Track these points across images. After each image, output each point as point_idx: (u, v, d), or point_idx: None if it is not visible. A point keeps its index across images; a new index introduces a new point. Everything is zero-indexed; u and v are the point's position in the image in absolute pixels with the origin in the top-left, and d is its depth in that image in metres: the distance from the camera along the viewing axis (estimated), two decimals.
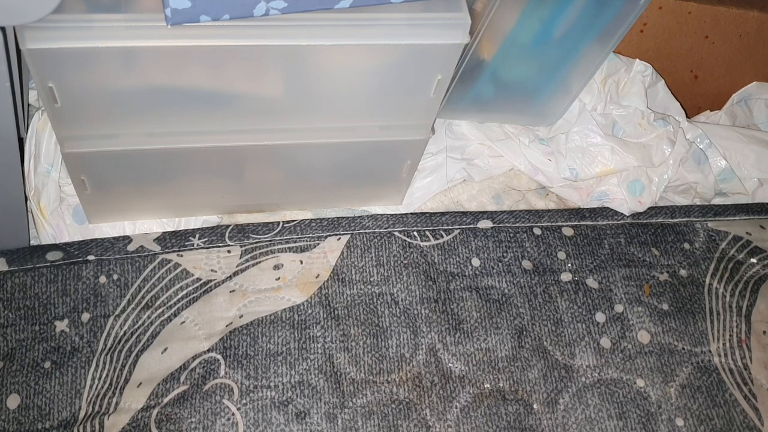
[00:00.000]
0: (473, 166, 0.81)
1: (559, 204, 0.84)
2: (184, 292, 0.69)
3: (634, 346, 0.72)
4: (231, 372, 0.66)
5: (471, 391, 0.68)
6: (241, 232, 0.73)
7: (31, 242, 0.71)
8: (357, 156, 0.70)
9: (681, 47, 0.86)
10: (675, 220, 0.81)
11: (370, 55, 0.57)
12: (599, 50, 0.72)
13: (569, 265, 0.76)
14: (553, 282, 0.75)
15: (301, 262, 0.72)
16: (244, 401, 0.64)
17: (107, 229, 0.73)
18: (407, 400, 0.67)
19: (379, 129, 0.66)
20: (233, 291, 0.70)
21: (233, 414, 0.64)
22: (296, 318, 0.69)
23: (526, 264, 0.76)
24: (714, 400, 0.70)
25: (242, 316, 0.69)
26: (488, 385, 0.69)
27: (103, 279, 0.69)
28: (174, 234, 0.72)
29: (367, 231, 0.75)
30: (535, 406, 0.68)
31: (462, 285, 0.73)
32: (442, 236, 0.76)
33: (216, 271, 0.71)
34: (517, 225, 0.78)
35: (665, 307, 0.75)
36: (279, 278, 0.71)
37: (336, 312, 0.70)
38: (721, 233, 0.81)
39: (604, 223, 0.80)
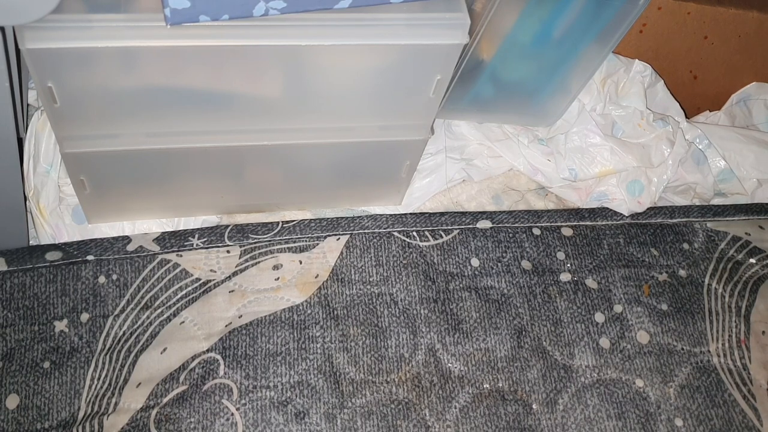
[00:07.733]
0: (472, 166, 0.81)
1: (558, 204, 0.84)
2: (184, 292, 0.69)
3: (633, 347, 0.72)
4: (230, 372, 0.66)
5: (470, 392, 0.68)
6: (240, 232, 0.73)
7: (31, 242, 0.71)
8: (356, 156, 0.70)
9: (680, 48, 0.86)
10: (674, 221, 0.81)
11: (370, 55, 0.57)
12: (598, 50, 0.72)
13: (568, 265, 0.76)
14: (553, 282, 0.75)
15: (301, 263, 0.72)
16: (243, 401, 0.64)
17: (106, 229, 0.73)
18: (406, 400, 0.67)
19: (379, 129, 0.66)
20: (232, 291, 0.70)
21: (232, 414, 0.64)
22: (295, 318, 0.69)
23: (526, 264, 0.76)
24: (713, 401, 0.70)
25: (241, 316, 0.69)
26: (487, 386, 0.69)
27: (102, 279, 0.69)
28: (173, 234, 0.72)
29: (366, 231, 0.75)
30: (534, 407, 0.68)
31: (461, 285, 0.73)
32: (441, 236, 0.76)
33: (215, 271, 0.71)
34: (516, 225, 0.78)
35: (664, 307, 0.75)
36: (278, 278, 0.71)
37: (335, 312, 0.70)
38: (720, 233, 0.81)
39: (603, 223, 0.80)
